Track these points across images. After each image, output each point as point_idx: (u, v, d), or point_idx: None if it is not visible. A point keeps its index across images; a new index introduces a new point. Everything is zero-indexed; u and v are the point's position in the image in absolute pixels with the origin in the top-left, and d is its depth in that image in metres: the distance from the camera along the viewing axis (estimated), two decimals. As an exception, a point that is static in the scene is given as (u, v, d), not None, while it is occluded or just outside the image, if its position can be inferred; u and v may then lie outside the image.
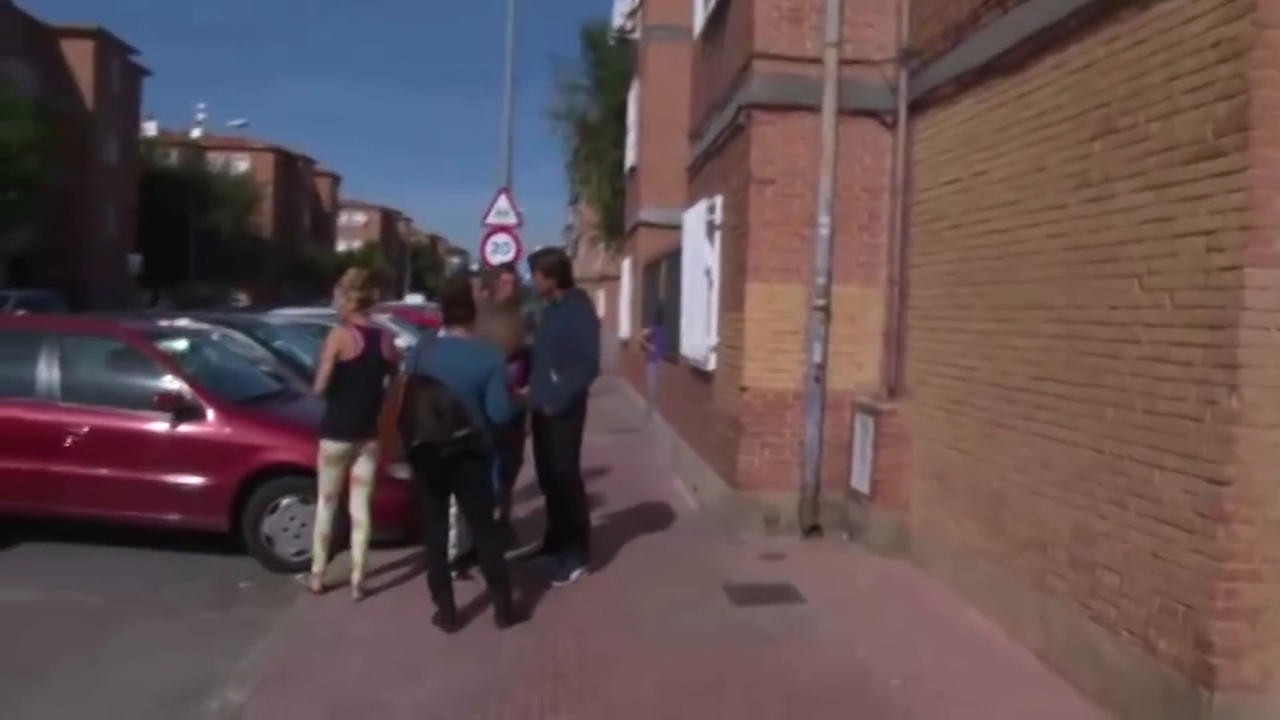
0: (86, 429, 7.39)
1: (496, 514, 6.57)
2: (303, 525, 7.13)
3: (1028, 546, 5.57)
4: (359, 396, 6.29)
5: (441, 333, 6.04)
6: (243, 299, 59.47)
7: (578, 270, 76.57)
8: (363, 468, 6.41)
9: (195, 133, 76.50)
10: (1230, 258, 4.04)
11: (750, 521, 8.07)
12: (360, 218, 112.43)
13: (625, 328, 22.07)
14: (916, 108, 7.57)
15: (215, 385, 7.81)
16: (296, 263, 79.01)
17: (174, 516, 7.40)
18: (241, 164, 73.97)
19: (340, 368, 6.23)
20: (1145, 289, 4.58)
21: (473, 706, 4.67)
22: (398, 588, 6.57)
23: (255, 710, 4.62)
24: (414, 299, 56.39)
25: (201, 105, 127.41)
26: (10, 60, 44.59)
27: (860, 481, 7.84)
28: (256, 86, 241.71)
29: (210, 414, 7.40)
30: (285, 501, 7.25)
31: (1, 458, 7.40)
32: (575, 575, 6.84)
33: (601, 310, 46.55)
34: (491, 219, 15.19)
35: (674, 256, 12.38)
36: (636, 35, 22.13)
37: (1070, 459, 5.16)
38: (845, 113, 7.88)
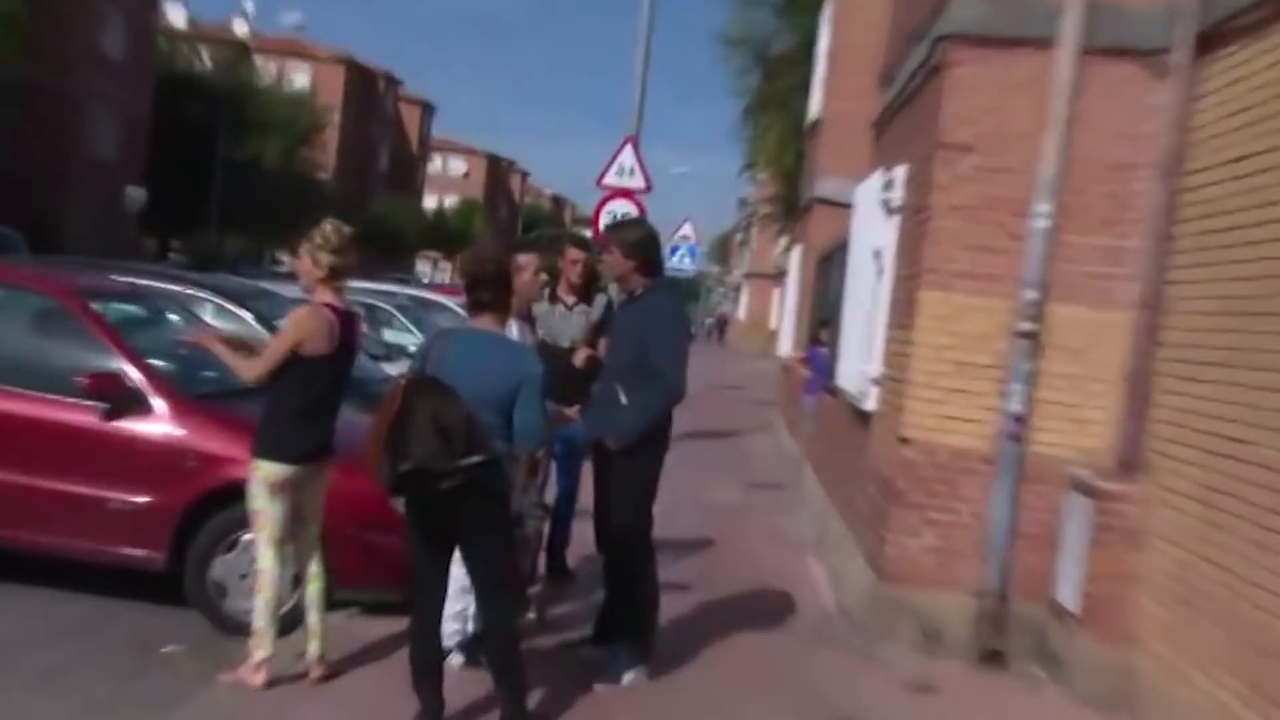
0: (-24, 415, 7.66)
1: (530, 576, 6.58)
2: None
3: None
4: (323, 405, 6.39)
5: (450, 323, 6.09)
6: (287, 261, 61.12)
7: (751, 264, 76.62)
8: (313, 501, 6.52)
9: (239, 28, 79.38)
10: None
11: (899, 632, 8.08)
12: (459, 165, 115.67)
13: (786, 344, 22.04)
14: (1204, 45, 7.39)
15: (172, 370, 8.04)
16: (366, 218, 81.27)
17: (87, 544, 7.59)
18: (300, 77, 76.71)
19: (299, 363, 6.27)
20: None
21: None
22: (379, 668, 6.67)
23: None
24: None
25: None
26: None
27: (1067, 594, 7.71)
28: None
29: (159, 407, 7.60)
30: (248, 538, 7.34)
31: None
32: (628, 679, 6.90)
33: (774, 322, 46.22)
34: (611, 179, 15.40)
35: (846, 250, 12.37)
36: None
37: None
38: (1093, 51, 7.78)
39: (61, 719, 6.04)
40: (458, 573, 6.19)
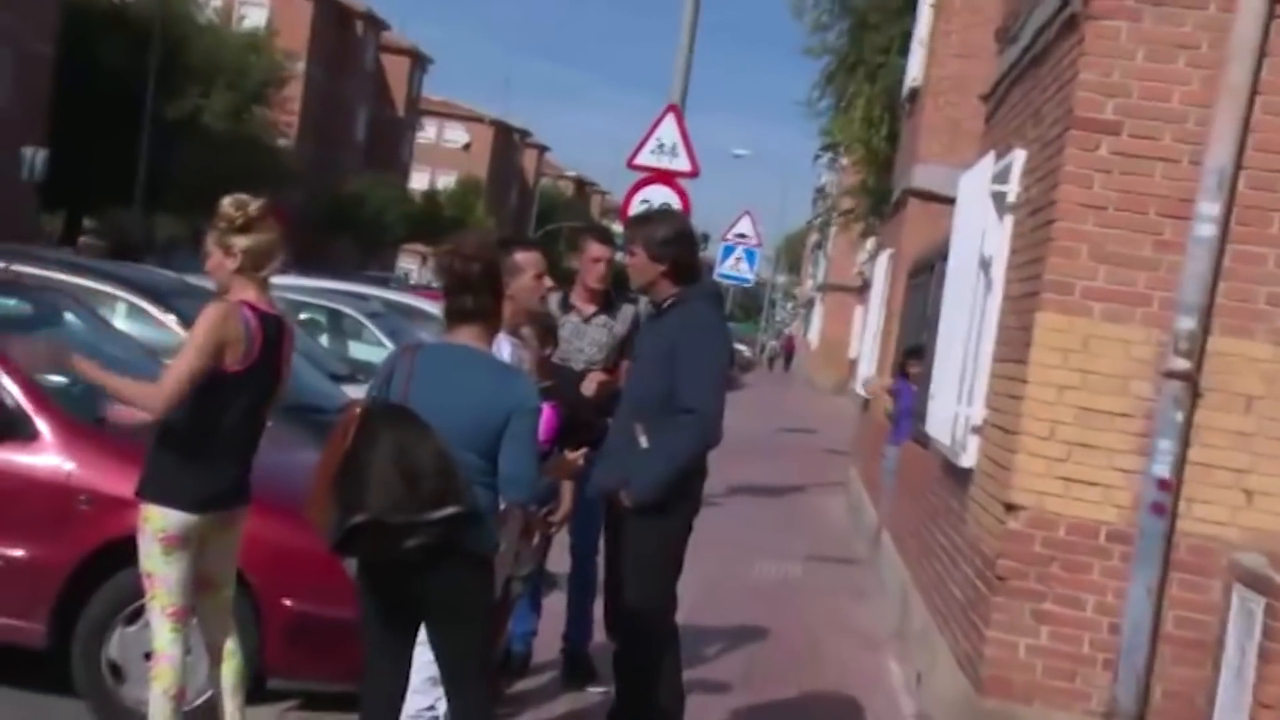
0: None
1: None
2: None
3: None
4: (236, 437, 6.39)
5: (430, 337, 6.07)
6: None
7: (828, 273, 76.89)
8: (222, 561, 6.53)
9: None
10: None
11: (998, 762, 8.03)
12: (458, 134, 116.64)
13: (864, 376, 22.04)
14: None
15: (63, 386, 8.02)
16: (338, 199, 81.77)
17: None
18: (255, 13, 77.34)
19: (212, 379, 6.21)
20: None
21: None
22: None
23: None
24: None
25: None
26: None
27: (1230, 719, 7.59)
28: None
29: (45, 434, 7.63)
30: (154, 606, 7.41)
31: None
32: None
33: (853, 350, 46.33)
34: (646, 157, 15.37)
35: (946, 259, 12.35)
36: None
37: None
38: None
39: None
40: (424, 659, 6.13)
